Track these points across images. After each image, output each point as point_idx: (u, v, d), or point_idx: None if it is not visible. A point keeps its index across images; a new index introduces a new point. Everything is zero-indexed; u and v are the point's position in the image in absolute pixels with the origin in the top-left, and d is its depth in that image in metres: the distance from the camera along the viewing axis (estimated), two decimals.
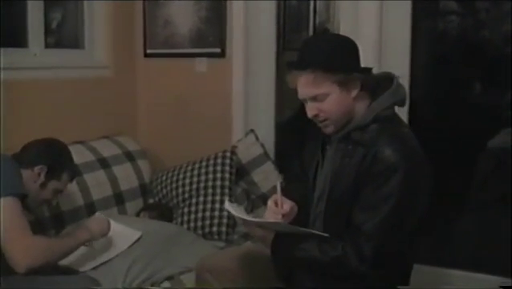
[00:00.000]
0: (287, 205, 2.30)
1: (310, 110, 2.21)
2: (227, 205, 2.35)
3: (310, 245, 2.13)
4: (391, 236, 2.09)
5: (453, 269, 3.55)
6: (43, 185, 2.67)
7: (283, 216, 2.26)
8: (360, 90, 2.18)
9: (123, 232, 2.92)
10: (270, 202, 2.33)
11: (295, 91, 2.22)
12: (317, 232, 2.16)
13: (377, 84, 2.23)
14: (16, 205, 2.41)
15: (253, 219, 2.29)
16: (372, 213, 2.07)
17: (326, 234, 2.14)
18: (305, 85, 2.17)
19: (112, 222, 2.98)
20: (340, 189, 2.18)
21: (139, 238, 2.91)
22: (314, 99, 2.18)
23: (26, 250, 2.34)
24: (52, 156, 2.71)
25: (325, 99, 2.16)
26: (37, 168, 2.64)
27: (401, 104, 2.24)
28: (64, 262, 2.63)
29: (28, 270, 2.32)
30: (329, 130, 2.23)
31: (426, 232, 2.24)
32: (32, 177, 2.63)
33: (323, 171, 2.32)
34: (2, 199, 2.37)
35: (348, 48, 2.22)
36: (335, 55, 2.18)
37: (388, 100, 2.20)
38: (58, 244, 2.53)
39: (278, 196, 2.29)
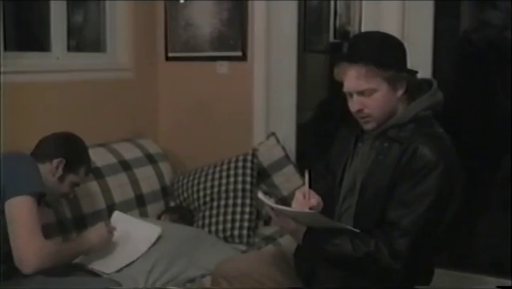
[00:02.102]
0: (314, 198, 2.29)
1: (355, 104, 2.20)
2: (261, 195, 2.32)
3: (343, 240, 2.13)
4: (425, 233, 2.10)
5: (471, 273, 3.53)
6: (61, 179, 2.67)
7: (310, 209, 2.24)
8: (404, 90, 2.19)
9: (143, 229, 2.95)
10: (298, 193, 2.31)
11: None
12: (350, 227, 2.15)
13: (418, 87, 2.24)
14: (30, 204, 2.40)
15: (289, 209, 2.24)
16: (409, 209, 2.08)
17: (357, 230, 2.13)
18: (355, 78, 2.17)
19: (132, 219, 3.01)
20: (375, 186, 2.18)
21: (159, 236, 2.92)
22: (362, 93, 2.18)
23: (36, 252, 2.35)
24: (70, 149, 2.72)
25: (372, 94, 2.17)
26: (55, 162, 2.64)
27: (438, 109, 2.24)
28: (89, 264, 2.66)
29: (34, 272, 2.33)
30: (370, 126, 2.23)
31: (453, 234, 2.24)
32: (50, 170, 2.63)
33: (351, 168, 2.31)
34: (16, 198, 2.38)
35: (399, 47, 2.24)
36: (389, 52, 2.19)
37: (427, 102, 2.21)
38: (65, 250, 2.54)
39: (306, 188, 2.28)
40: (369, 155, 2.24)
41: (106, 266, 2.70)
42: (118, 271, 2.69)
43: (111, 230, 2.73)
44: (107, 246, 2.72)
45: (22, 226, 2.37)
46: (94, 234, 2.69)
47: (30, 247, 2.35)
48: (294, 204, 2.30)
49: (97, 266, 2.69)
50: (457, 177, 2.15)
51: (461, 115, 3.55)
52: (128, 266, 2.74)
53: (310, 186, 2.28)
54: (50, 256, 2.39)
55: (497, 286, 3.03)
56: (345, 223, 2.23)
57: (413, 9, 3.40)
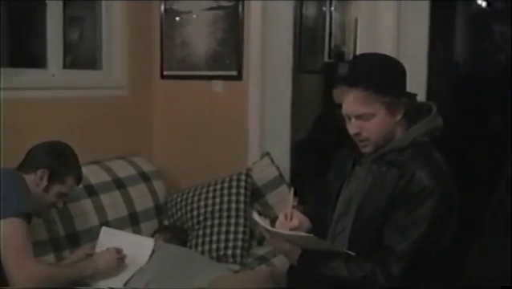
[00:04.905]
0: (296, 219, 2.28)
1: (353, 128, 2.21)
2: (255, 216, 2.30)
3: (338, 263, 2.13)
4: (421, 258, 2.10)
5: None
6: (47, 189, 2.63)
7: (291, 230, 2.23)
8: (403, 115, 2.19)
9: (137, 243, 2.95)
10: (281, 215, 2.31)
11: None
12: (346, 251, 2.14)
13: (417, 112, 2.25)
14: (19, 226, 2.37)
15: (285, 232, 2.23)
16: (405, 234, 2.08)
17: (353, 253, 2.12)
18: (353, 102, 2.18)
19: (123, 233, 3.00)
20: (371, 210, 2.17)
21: (153, 249, 2.92)
22: (360, 117, 2.18)
23: (27, 277, 2.33)
24: (55, 159, 2.68)
25: (370, 119, 2.17)
26: (39, 172, 2.61)
27: (436, 134, 2.25)
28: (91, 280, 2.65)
29: None
30: (367, 150, 2.24)
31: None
32: (35, 180, 2.60)
33: (347, 190, 2.31)
34: (5, 220, 2.35)
35: (399, 71, 2.25)
36: (388, 77, 2.20)
37: (426, 127, 2.22)
38: (61, 274, 2.52)
39: (289, 208, 2.28)
40: (366, 178, 2.24)
41: (110, 281, 2.69)
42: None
43: (122, 257, 2.72)
44: (113, 272, 2.70)
45: (13, 250, 2.35)
46: (102, 258, 2.68)
47: (20, 272, 2.33)
48: (277, 225, 2.29)
49: (102, 282, 2.67)
50: (453, 202, 2.16)
51: (455, 136, 3.56)
52: (127, 282, 2.73)
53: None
54: (42, 281, 2.38)
55: (502, 286, 3.02)
56: (339, 245, 2.23)
57: (408, 30, 3.41)
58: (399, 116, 2.20)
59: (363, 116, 2.18)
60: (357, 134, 2.22)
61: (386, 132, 2.20)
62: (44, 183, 2.62)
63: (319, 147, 4.34)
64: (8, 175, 2.54)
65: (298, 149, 4.07)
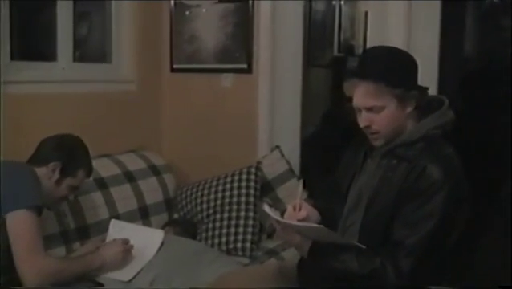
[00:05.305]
0: (305, 210, 2.27)
1: (364, 120, 2.20)
2: (266, 208, 2.28)
3: (348, 256, 2.12)
4: (430, 253, 2.09)
5: None
6: (58, 182, 2.64)
7: (299, 221, 2.22)
8: (414, 108, 2.18)
9: (146, 235, 2.96)
10: (289, 206, 2.30)
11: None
12: (357, 244, 2.13)
13: (428, 105, 2.23)
14: (30, 219, 2.38)
15: (295, 222, 2.21)
16: (415, 229, 2.07)
17: (364, 246, 2.12)
18: (364, 95, 2.17)
19: (132, 225, 3.01)
20: (381, 204, 2.16)
21: (163, 240, 2.93)
22: (370, 110, 2.17)
23: (36, 270, 2.34)
24: (66, 152, 2.68)
25: (381, 111, 2.16)
26: (51, 165, 2.61)
27: (448, 128, 2.23)
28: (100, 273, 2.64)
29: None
30: (378, 142, 2.23)
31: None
32: (47, 174, 2.60)
33: (357, 184, 2.31)
34: (16, 212, 2.36)
35: (410, 64, 2.23)
36: (399, 70, 2.18)
37: (437, 121, 2.20)
38: (69, 267, 2.51)
39: (298, 199, 2.27)
40: (376, 172, 2.23)
41: (119, 274, 2.68)
42: (131, 280, 2.68)
43: (128, 248, 2.72)
44: (120, 264, 2.69)
45: (23, 244, 2.35)
46: (108, 250, 2.66)
47: (31, 266, 2.34)
48: (285, 216, 2.28)
49: (110, 274, 2.66)
50: (463, 196, 2.14)
51: (465, 132, 3.55)
52: (136, 274, 2.73)
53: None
54: (52, 274, 2.39)
55: (500, 286, 3.01)
56: (349, 239, 2.22)
57: (419, 23, 3.40)
58: (409, 109, 2.19)
59: (374, 109, 2.17)
60: (367, 127, 2.21)
61: (396, 125, 2.19)
62: (56, 176, 2.63)
63: (329, 141, 4.33)
64: (19, 168, 2.55)
65: (308, 144, 4.06)
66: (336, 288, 2.23)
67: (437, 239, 2.09)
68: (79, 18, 3.76)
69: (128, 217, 3.31)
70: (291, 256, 2.86)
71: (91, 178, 2.98)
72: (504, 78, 3.62)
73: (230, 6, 3.85)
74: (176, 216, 3.70)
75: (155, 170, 3.71)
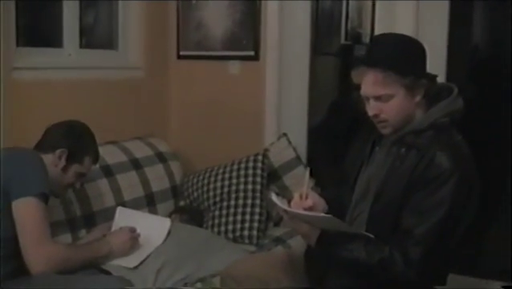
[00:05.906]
0: (311, 199, 2.26)
1: (372, 109, 2.18)
2: (273, 197, 2.28)
3: (357, 245, 2.10)
4: (439, 242, 2.07)
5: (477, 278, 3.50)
6: (65, 169, 2.63)
7: (305, 209, 2.21)
8: (423, 96, 2.16)
9: (153, 222, 2.97)
10: (296, 195, 2.29)
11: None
12: (365, 233, 2.13)
13: (437, 93, 2.21)
14: (37, 206, 2.37)
15: (302, 212, 2.20)
16: (424, 217, 2.05)
17: (372, 236, 2.11)
18: (372, 83, 2.15)
19: (138, 213, 3.01)
20: (390, 192, 2.15)
21: (170, 228, 2.94)
22: (379, 98, 2.15)
23: (44, 258, 2.33)
24: (73, 138, 2.68)
25: (389, 100, 2.14)
26: (58, 152, 2.60)
27: (457, 116, 2.21)
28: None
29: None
30: (386, 131, 2.21)
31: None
32: (53, 160, 2.60)
33: (365, 174, 2.29)
34: (23, 199, 2.35)
35: (419, 52, 2.21)
36: (408, 58, 2.16)
37: (446, 109, 2.18)
38: (77, 254, 2.50)
39: (304, 188, 2.26)
40: (385, 161, 2.21)
41: (125, 260, 2.68)
42: (137, 267, 2.68)
43: (135, 236, 2.71)
44: (127, 251, 2.69)
45: (30, 231, 2.35)
46: (116, 238, 2.66)
47: (38, 253, 2.33)
48: (292, 205, 2.27)
49: (116, 261, 2.66)
50: (473, 185, 2.12)
51: (473, 120, 3.53)
52: (142, 262, 2.73)
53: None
54: (59, 262, 2.38)
55: (503, 286, 3.01)
56: (357, 228, 2.21)
57: (427, 12, 3.37)
58: (418, 98, 2.17)
59: (382, 97, 2.15)
60: (376, 115, 2.19)
61: (405, 113, 2.17)
62: (62, 163, 2.62)
63: (336, 130, 4.32)
64: (26, 155, 2.54)
65: (315, 132, 4.04)
66: (345, 277, 2.22)
67: (446, 228, 2.07)
68: (86, 3, 3.74)
69: (134, 205, 3.31)
70: (298, 244, 2.85)
71: (98, 165, 2.97)
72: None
73: None
74: (182, 203, 3.69)
75: (161, 157, 3.70)
